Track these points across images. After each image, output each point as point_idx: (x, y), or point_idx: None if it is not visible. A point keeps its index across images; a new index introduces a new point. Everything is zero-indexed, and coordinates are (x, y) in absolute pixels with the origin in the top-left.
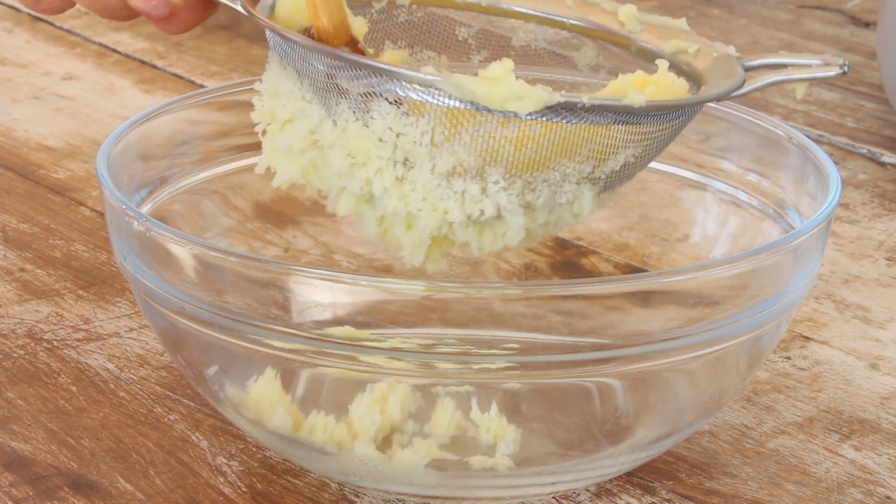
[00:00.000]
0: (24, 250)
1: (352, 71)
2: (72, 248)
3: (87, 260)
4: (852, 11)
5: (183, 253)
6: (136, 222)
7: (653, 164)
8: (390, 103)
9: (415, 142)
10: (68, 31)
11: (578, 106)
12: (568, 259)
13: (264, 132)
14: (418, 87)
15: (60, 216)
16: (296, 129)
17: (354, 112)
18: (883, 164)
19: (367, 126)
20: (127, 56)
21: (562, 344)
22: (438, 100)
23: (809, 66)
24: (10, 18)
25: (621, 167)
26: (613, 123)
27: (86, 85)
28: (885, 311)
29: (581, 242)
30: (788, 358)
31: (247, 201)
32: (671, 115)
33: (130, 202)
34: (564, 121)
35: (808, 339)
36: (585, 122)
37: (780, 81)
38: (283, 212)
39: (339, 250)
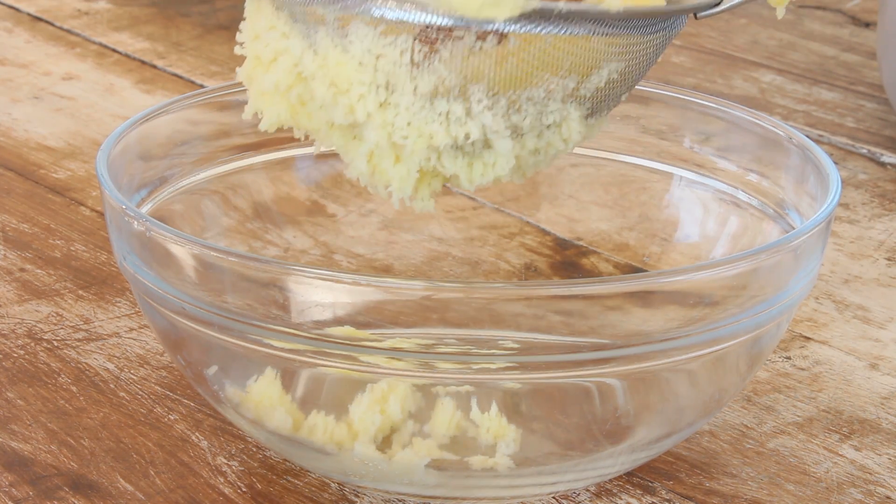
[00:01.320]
0: (24, 250)
1: None
2: (72, 248)
3: (87, 260)
4: (852, 11)
5: (183, 253)
6: (136, 222)
7: (653, 164)
8: (367, 25)
9: (394, 63)
10: (68, 31)
11: (555, 12)
12: (568, 259)
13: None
14: (393, 4)
15: (60, 216)
16: (279, 65)
17: (332, 39)
18: (883, 164)
19: (347, 51)
20: (127, 56)
21: (562, 344)
22: (414, 16)
23: None
24: (10, 18)
25: (606, 85)
26: (592, 34)
27: (86, 85)
28: (885, 311)
29: (581, 242)
30: (788, 358)
31: (247, 201)
32: (650, 27)
33: (130, 202)
34: (542, 30)
35: (808, 339)
36: (563, 32)
37: None
38: (283, 212)
39: (339, 250)
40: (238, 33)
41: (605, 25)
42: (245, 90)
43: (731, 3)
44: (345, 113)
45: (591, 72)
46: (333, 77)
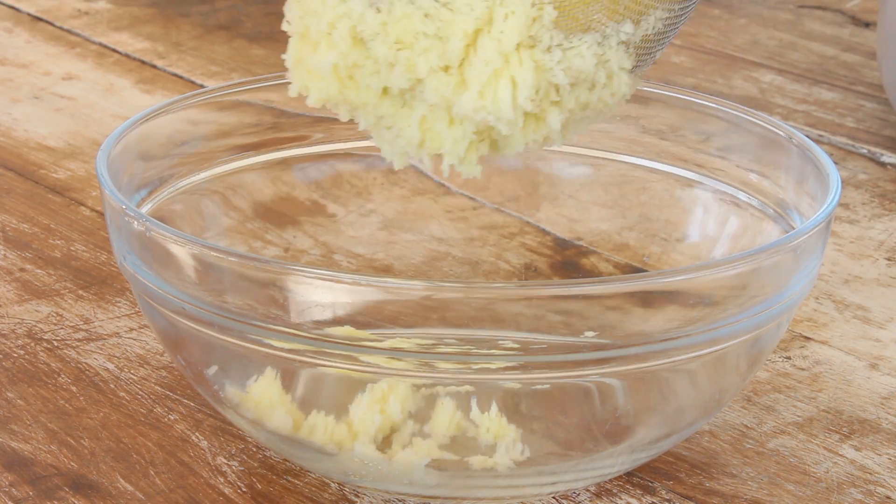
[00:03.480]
0: (24, 250)
1: None
2: (72, 248)
3: (87, 260)
4: (852, 11)
5: (183, 253)
6: (136, 222)
7: (653, 164)
8: None
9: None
10: (68, 31)
11: None
12: (568, 259)
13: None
14: None
15: (60, 216)
16: (338, 30)
17: None
18: (883, 164)
19: (413, 2)
20: (127, 56)
21: (562, 344)
22: None
23: None
24: (10, 18)
25: (650, 35)
26: None
27: (86, 85)
28: (885, 311)
29: (581, 242)
30: (788, 358)
31: (247, 201)
32: None
33: (130, 202)
34: None
35: (808, 339)
36: None
37: None
38: (283, 212)
39: (339, 250)
40: (284, 23)
41: None
42: (245, 91)
43: None
44: (406, 70)
45: (641, 17)
46: (398, 33)
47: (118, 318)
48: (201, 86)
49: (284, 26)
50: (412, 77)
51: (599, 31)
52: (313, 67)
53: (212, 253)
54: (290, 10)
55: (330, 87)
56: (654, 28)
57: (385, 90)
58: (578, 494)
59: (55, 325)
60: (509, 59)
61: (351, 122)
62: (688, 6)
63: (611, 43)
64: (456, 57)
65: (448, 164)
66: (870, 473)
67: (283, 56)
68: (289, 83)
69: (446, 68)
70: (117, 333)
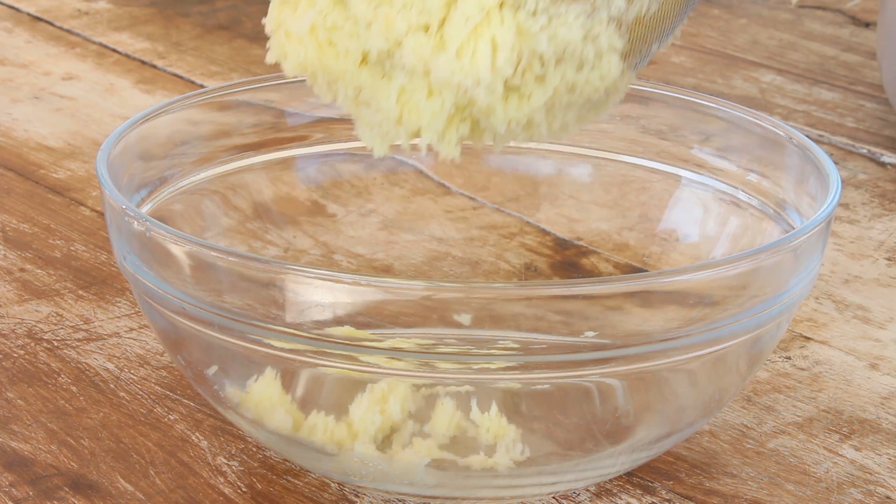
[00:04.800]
0: (24, 250)
1: None
2: (72, 248)
3: (87, 260)
4: (852, 11)
5: (183, 253)
6: (136, 222)
7: (653, 164)
8: None
9: None
10: (68, 31)
11: None
12: (568, 259)
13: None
14: None
15: (60, 216)
16: None
17: None
18: (883, 164)
19: None
20: (127, 56)
21: (562, 344)
22: None
23: None
24: (10, 18)
25: (644, 18)
26: None
27: (86, 85)
28: (885, 311)
29: (581, 242)
30: (788, 358)
31: (247, 201)
32: None
33: (130, 202)
34: None
35: (808, 339)
36: None
37: None
38: (283, 212)
39: (339, 250)
40: None
41: None
42: (245, 91)
43: None
44: (384, 28)
45: None
46: None
47: (118, 318)
48: (201, 86)
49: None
50: (390, 37)
51: (589, 1)
52: (292, 29)
53: (212, 253)
54: None
55: (308, 51)
56: (647, 8)
57: (364, 58)
58: (578, 494)
59: (55, 325)
60: (490, 16)
61: (350, 122)
62: (681, 4)
63: (601, 16)
64: (436, 13)
65: (426, 142)
66: (870, 473)
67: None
68: (286, 81)
69: (426, 28)
70: (117, 333)
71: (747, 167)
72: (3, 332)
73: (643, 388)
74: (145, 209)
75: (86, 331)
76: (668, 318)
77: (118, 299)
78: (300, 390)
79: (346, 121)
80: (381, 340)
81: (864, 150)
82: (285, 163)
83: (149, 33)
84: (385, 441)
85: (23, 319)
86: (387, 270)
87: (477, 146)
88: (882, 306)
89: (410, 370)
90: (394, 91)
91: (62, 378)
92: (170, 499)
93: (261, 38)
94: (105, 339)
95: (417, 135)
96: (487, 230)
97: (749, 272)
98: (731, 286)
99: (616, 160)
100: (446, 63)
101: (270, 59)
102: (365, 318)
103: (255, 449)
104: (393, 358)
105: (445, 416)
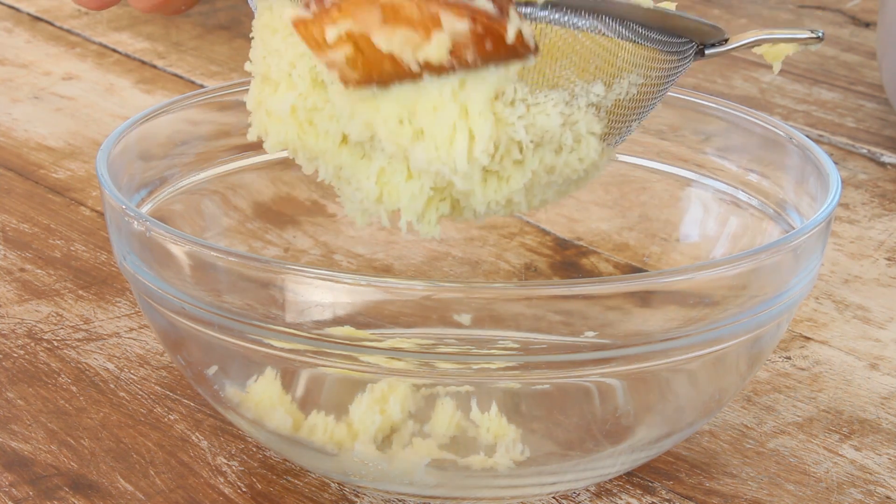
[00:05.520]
0: (24, 250)
1: None
2: (72, 248)
3: (87, 260)
4: (852, 11)
5: (182, 253)
6: (136, 222)
7: (653, 164)
8: None
9: None
10: (68, 31)
11: (587, 3)
12: (568, 259)
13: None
14: None
15: (60, 216)
16: (298, 70)
17: None
18: (883, 164)
19: None
20: (127, 56)
21: (562, 344)
22: None
23: (792, 37)
24: (10, 18)
25: (623, 100)
26: (618, 37)
27: (86, 85)
28: (885, 311)
29: (581, 242)
30: (788, 358)
31: (247, 201)
32: (668, 46)
33: (130, 202)
34: (573, 21)
35: (808, 339)
36: (590, 26)
37: (763, 40)
38: (283, 212)
39: (339, 250)
40: (247, 63)
41: (630, 30)
42: (245, 91)
43: (740, 42)
44: (362, 124)
45: (614, 79)
46: None
47: (118, 318)
48: (201, 86)
49: (247, 66)
50: (369, 129)
51: (568, 89)
52: (272, 109)
53: (211, 253)
54: (253, 51)
55: (289, 130)
56: (627, 93)
57: (344, 139)
58: (578, 494)
59: (55, 325)
60: (468, 109)
61: None
62: (668, 79)
63: (579, 104)
64: (416, 112)
65: (406, 220)
66: (870, 473)
67: (244, 99)
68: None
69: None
70: (117, 333)
71: (747, 167)
72: (3, 332)
73: (643, 388)
74: (145, 209)
75: (86, 331)
76: (668, 318)
77: (118, 299)
78: (300, 390)
79: None
80: (381, 340)
81: (864, 150)
82: (285, 163)
83: (149, 33)
84: (385, 441)
85: (23, 319)
86: (387, 270)
87: (457, 222)
88: (882, 306)
89: (410, 370)
90: (373, 172)
91: (62, 378)
92: (170, 499)
93: None
94: (105, 339)
95: (398, 213)
96: (487, 230)
97: (749, 272)
98: (731, 286)
99: (616, 160)
100: (424, 152)
101: (252, 136)
102: (365, 318)
103: (255, 449)
104: (393, 358)
105: (445, 416)
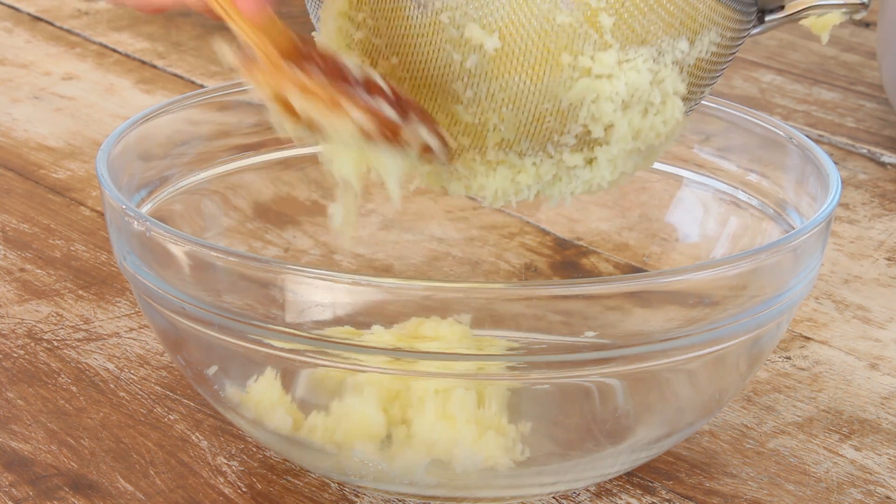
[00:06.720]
0: (24, 250)
1: None
2: (72, 248)
3: (87, 260)
4: None
5: (182, 253)
6: (136, 222)
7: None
8: None
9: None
10: (68, 31)
11: None
12: (568, 259)
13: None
14: None
15: (60, 216)
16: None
17: None
18: (883, 164)
19: None
20: (127, 56)
21: (562, 344)
22: None
23: (841, 1)
24: (10, 18)
25: (702, 59)
26: None
27: (86, 85)
28: (885, 311)
29: (581, 242)
30: (788, 358)
31: (247, 201)
32: (746, 2)
33: (130, 202)
34: None
35: (808, 339)
36: None
37: (817, 6)
38: (283, 212)
39: (339, 250)
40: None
41: None
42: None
43: (793, 10)
44: None
45: (696, 35)
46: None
47: (118, 318)
48: (201, 86)
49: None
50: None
51: (655, 45)
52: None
53: (211, 253)
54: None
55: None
56: (707, 51)
57: None
58: (578, 494)
59: (55, 325)
60: None
61: None
62: (736, 43)
63: (666, 60)
64: None
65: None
66: (870, 473)
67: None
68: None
69: None
70: (117, 333)
71: (747, 167)
72: (3, 332)
73: (643, 388)
74: (145, 209)
75: (86, 331)
76: (668, 318)
77: (118, 299)
78: (300, 390)
79: None
80: (381, 340)
81: (864, 150)
82: (285, 163)
83: (149, 33)
84: (385, 441)
85: (23, 319)
86: (387, 270)
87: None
88: (882, 306)
89: (410, 370)
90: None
91: (62, 378)
92: (170, 499)
93: None
94: (105, 339)
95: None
96: (487, 230)
97: (749, 272)
98: (731, 286)
99: None
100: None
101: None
102: (365, 318)
103: (255, 449)
104: (393, 358)
105: (445, 416)
